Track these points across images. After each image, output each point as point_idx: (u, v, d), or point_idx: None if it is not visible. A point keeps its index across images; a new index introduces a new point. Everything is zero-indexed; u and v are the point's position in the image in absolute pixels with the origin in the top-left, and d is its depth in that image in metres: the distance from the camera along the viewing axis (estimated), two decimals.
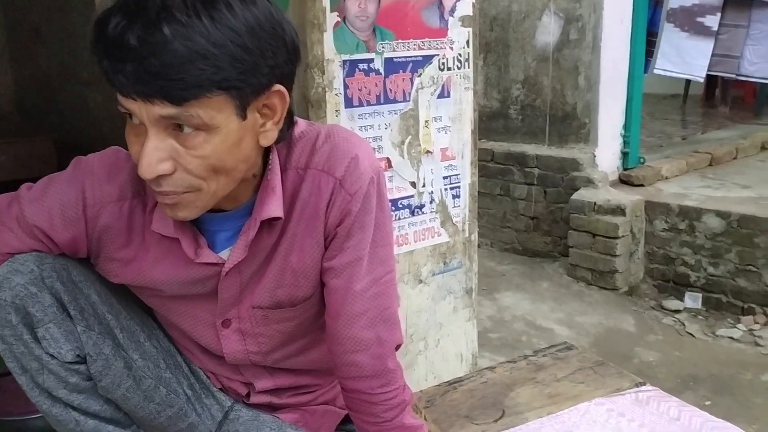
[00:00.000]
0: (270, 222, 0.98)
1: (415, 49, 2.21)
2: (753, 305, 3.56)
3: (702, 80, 4.60)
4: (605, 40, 4.03)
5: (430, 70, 2.27)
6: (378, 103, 2.17)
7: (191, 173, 0.86)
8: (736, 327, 3.49)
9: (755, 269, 3.54)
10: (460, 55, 2.35)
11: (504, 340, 3.33)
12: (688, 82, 6.53)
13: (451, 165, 2.43)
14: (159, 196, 0.90)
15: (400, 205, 2.31)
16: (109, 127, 3.75)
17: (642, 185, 4.14)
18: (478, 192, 4.62)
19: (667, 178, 4.29)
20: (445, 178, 2.42)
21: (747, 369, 3.09)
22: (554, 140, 4.28)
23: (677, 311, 3.67)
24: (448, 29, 2.27)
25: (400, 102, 2.22)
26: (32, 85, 5.37)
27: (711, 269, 3.69)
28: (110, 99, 0.91)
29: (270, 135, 0.92)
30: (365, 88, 2.13)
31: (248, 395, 1.15)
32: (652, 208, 3.87)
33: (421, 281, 2.45)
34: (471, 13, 2.33)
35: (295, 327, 1.08)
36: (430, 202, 2.39)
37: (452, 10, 2.26)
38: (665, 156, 4.59)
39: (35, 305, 0.98)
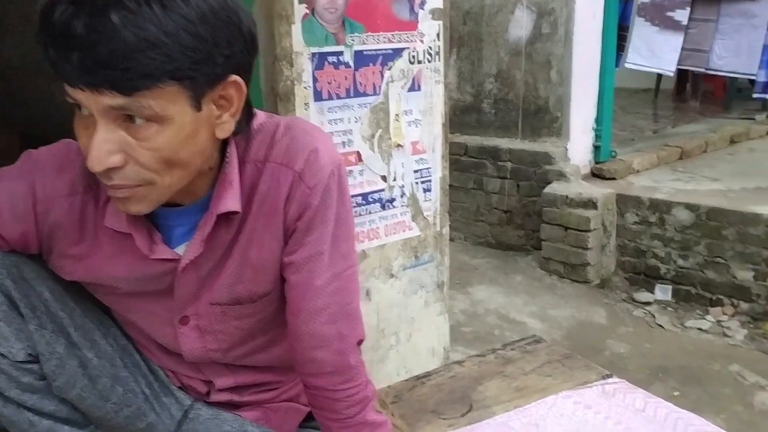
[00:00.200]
0: (227, 216, 0.95)
1: (385, 42, 2.19)
2: (721, 297, 3.61)
3: (672, 74, 4.65)
4: (577, 34, 4.05)
5: (401, 63, 2.26)
6: (348, 96, 2.15)
7: (143, 166, 0.84)
8: (704, 318, 3.54)
9: (723, 261, 3.59)
10: (430, 48, 2.34)
11: (477, 334, 3.33)
12: (659, 76, 6.60)
13: (422, 159, 2.42)
14: (110, 189, 0.87)
15: (371, 199, 2.29)
16: None
17: (614, 179, 4.17)
18: (452, 186, 4.64)
19: (638, 171, 4.32)
20: (416, 171, 2.41)
21: (715, 360, 3.14)
22: (527, 134, 4.29)
23: (648, 303, 3.70)
24: (418, 22, 2.26)
25: (371, 95, 2.20)
26: None
27: (681, 261, 3.74)
28: None
29: (227, 127, 0.90)
30: (335, 81, 2.11)
31: (208, 393, 1.12)
32: (623, 202, 3.90)
33: (392, 275, 2.44)
34: (441, 6, 2.31)
35: (255, 323, 1.06)
36: (401, 196, 2.38)
37: (422, 3, 2.25)
38: (636, 150, 4.63)
39: None
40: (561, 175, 4.03)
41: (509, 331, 3.33)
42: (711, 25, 4.23)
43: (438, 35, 2.34)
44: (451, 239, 4.70)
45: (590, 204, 3.79)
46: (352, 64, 2.12)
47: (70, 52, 0.76)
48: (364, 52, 2.15)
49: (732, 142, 5.13)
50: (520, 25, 4.19)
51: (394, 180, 2.34)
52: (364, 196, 2.27)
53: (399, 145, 2.33)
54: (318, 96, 2.08)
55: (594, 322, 3.50)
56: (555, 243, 3.93)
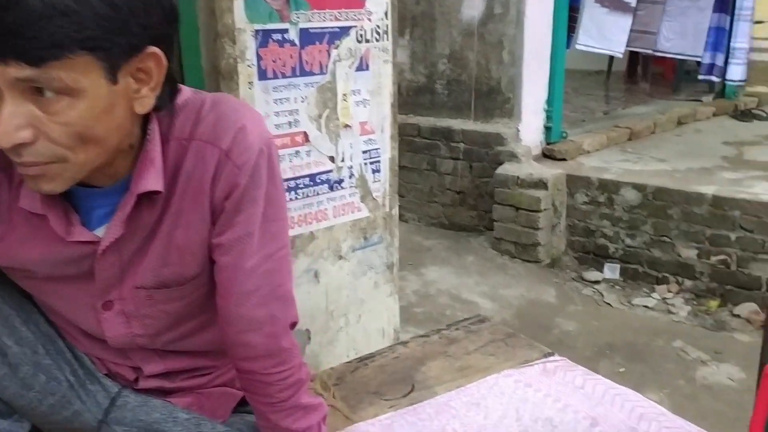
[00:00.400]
0: (150, 196, 0.91)
1: (331, 20, 2.15)
2: (667, 275, 3.70)
3: (621, 56, 4.70)
4: (529, 15, 4.06)
5: (348, 41, 2.22)
6: (293, 75, 2.10)
7: (55, 142, 0.79)
8: (650, 296, 3.62)
9: (669, 240, 3.68)
10: (378, 27, 2.30)
11: (428, 315, 3.35)
12: (611, 58, 6.69)
13: (370, 139, 2.39)
14: (21, 167, 0.82)
15: (319, 180, 2.26)
16: None
17: (564, 159, 4.22)
18: (405, 167, 4.65)
19: (588, 152, 4.38)
20: (364, 152, 2.38)
21: (659, 336, 3.22)
22: (480, 115, 4.30)
23: (596, 282, 3.77)
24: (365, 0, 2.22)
25: (317, 74, 2.16)
26: None
27: (628, 241, 3.81)
28: None
29: (146, 102, 0.85)
30: (279, 59, 2.06)
31: (137, 380, 1.09)
32: (573, 182, 3.95)
33: (341, 257, 2.42)
34: None
35: (184, 307, 1.02)
36: (350, 177, 2.35)
37: None
38: (587, 131, 4.69)
39: None
40: (513, 156, 4.05)
41: (461, 311, 3.35)
42: (659, 7, 4.29)
43: (386, 14, 2.30)
44: (405, 220, 4.71)
45: (541, 184, 3.83)
46: (297, 42, 2.08)
47: None
48: (310, 30, 2.10)
49: (679, 123, 5.24)
50: (473, 5, 4.18)
51: (342, 161, 2.31)
52: (312, 177, 2.24)
53: (347, 126, 2.30)
54: (263, 75, 2.03)
55: (543, 301, 3.55)
56: (506, 223, 3.96)
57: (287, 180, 2.14)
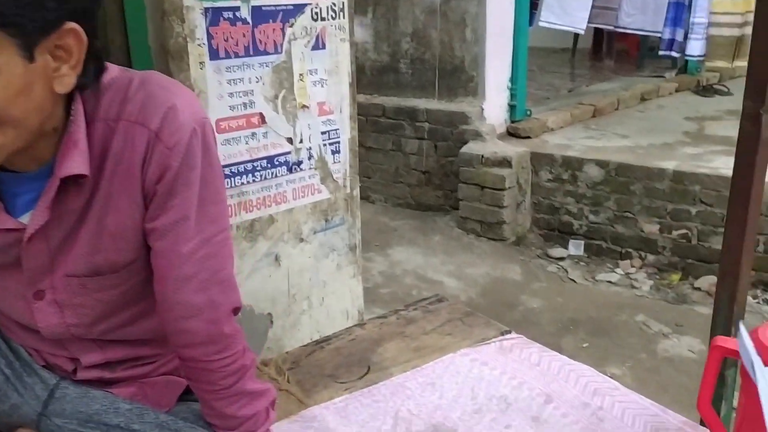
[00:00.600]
0: (76, 180, 0.88)
1: None
2: (630, 250, 3.74)
3: (583, 32, 4.71)
4: None
5: (303, 20, 2.17)
6: (247, 54, 2.05)
7: None
8: (614, 271, 3.66)
9: (632, 215, 3.71)
10: (334, 4, 2.25)
11: (394, 295, 3.34)
12: (576, 36, 6.71)
13: (329, 120, 2.35)
14: None
15: (277, 162, 2.22)
16: None
17: (529, 137, 4.23)
18: (370, 148, 4.63)
19: (552, 129, 4.40)
20: (323, 133, 2.34)
21: (623, 311, 3.26)
22: (444, 94, 4.28)
23: (561, 259, 3.80)
24: None
25: (272, 54, 2.11)
26: None
27: (592, 217, 3.84)
28: None
29: (67, 81, 0.81)
30: (232, 38, 2.01)
31: (75, 371, 1.06)
32: (537, 160, 3.96)
33: (302, 240, 2.39)
34: None
35: (120, 295, 0.99)
36: (309, 159, 2.31)
37: None
38: (551, 108, 4.70)
39: None
40: (477, 135, 4.05)
41: (426, 291, 3.35)
42: None
43: None
44: (371, 201, 4.70)
45: (505, 163, 3.83)
46: (250, 20, 2.02)
47: None
48: (263, 8, 2.05)
49: (643, 99, 5.29)
50: None
51: (301, 142, 2.27)
52: (270, 159, 2.20)
53: (304, 106, 2.26)
54: (214, 54, 1.97)
55: (509, 279, 3.57)
56: (472, 202, 3.97)
57: (244, 162, 2.10)
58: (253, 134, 2.12)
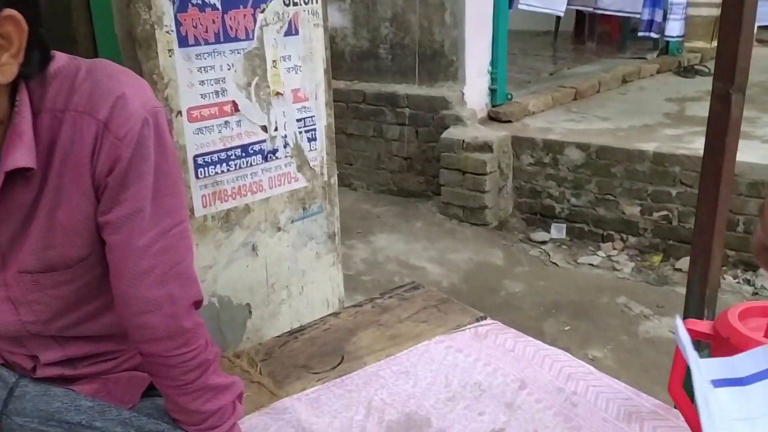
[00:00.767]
0: (23, 174, 0.85)
1: None
2: (611, 232, 3.75)
3: (562, 14, 4.69)
4: None
5: (275, 5, 2.13)
6: (218, 41, 2.01)
7: None
8: (596, 254, 3.67)
9: (613, 198, 3.72)
10: None
11: (377, 282, 3.33)
12: (558, 18, 6.68)
13: (304, 107, 2.32)
14: None
15: (251, 151, 2.19)
16: None
17: (510, 121, 4.21)
18: (352, 134, 4.59)
19: (533, 113, 4.38)
20: (298, 120, 2.31)
21: (604, 293, 3.27)
22: (424, 79, 4.25)
23: (544, 242, 3.80)
24: None
25: (243, 40, 2.08)
26: None
27: (574, 200, 3.84)
28: None
29: (7, 70, 0.78)
30: (201, 24, 1.97)
31: (35, 368, 1.03)
32: (518, 144, 3.95)
33: (279, 229, 2.36)
34: None
35: (76, 291, 0.97)
36: (284, 147, 2.28)
37: None
38: (532, 92, 4.69)
39: None
40: (458, 120, 4.03)
41: (408, 277, 3.34)
42: None
43: None
44: (354, 188, 4.67)
45: (486, 147, 3.81)
46: (219, 5, 1.98)
47: None
48: None
49: (624, 81, 5.28)
50: None
51: (276, 130, 2.24)
52: (244, 147, 2.17)
53: (278, 93, 2.23)
54: (183, 41, 1.93)
55: (491, 264, 3.56)
56: (453, 188, 3.95)
57: (217, 152, 2.07)
58: (226, 123, 2.09)
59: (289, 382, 1.34)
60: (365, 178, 4.56)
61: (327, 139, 2.45)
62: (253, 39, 2.09)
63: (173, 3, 1.89)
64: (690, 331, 1.09)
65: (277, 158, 2.27)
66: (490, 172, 3.82)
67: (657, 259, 3.57)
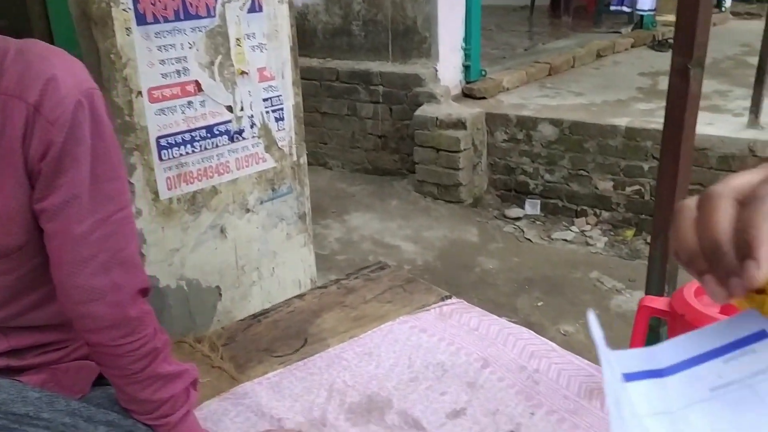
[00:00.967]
0: None
1: None
2: (585, 207, 3.76)
3: None
4: None
5: None
6: (177, 19, 1.96)
7: None
8: (569, 229, 3.68)
9: (586, 173, 3.72)
10: None
11: (351, 262, 3.31)
12: None
13: (270, 86, 2.28)
14: None
15: (217, 132, 2.15)
16: None
17: (484, 98, 4.19)
18: (326, 113, 4.55)
19: (508, 89, 4.36)
20: (265, 100, 2.27)
21: (577, 268, 3.28)
22: (397, 56, 4.20)
23: (518, 219, 3.81)
24: None
25: (204, 18, 2.03)
26: None
27: (547, 176, 3.84)
28: None
29: None
30: (159, 2, 1.91)
31: None
32: (492, 120, 3.93)
33: (248, 210, 2.34)
34: None
35: (17, 280, 0.94)
36: (251, 127, 2.25)
37: None
38: (507, 68, 4.66)
39: None
40: (432, 97, 3.99)
41: (383, 256, 3.33)
42: None
43: None
44: (329, 167, 4.64)
45: (460, 124, 3.79)
46: None
47: None
48: None
49: (598, 56, 5.27)
50: None
51: (242, 110, 2.20)
52: (209, 128, 2.13)
53: (243, 72, 2.18)
54: (141, 19, 1.88)
55: (466, 241, 3.56)
56: (428, 165, 3.93)
57: (181, 133, 2.03)
58: (190, 103, 2.05)
59: (251, 366, 1.32)
60: (340, 157, 4.52)
61: (295, 118, 2.41)
62: (214, 16, 2.04)
63: None
64: (647, 308, 1.09)
65: (243, 139, 2.24)
66: (464, 150, 3.80)
67: (630, 233, 3.59)
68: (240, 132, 2.22)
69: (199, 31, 2.01)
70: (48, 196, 0.86)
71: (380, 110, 4.23)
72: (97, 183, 0.88)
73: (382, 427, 1.17)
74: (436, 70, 4.10)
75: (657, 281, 1.38)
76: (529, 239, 3.60)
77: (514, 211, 3.85)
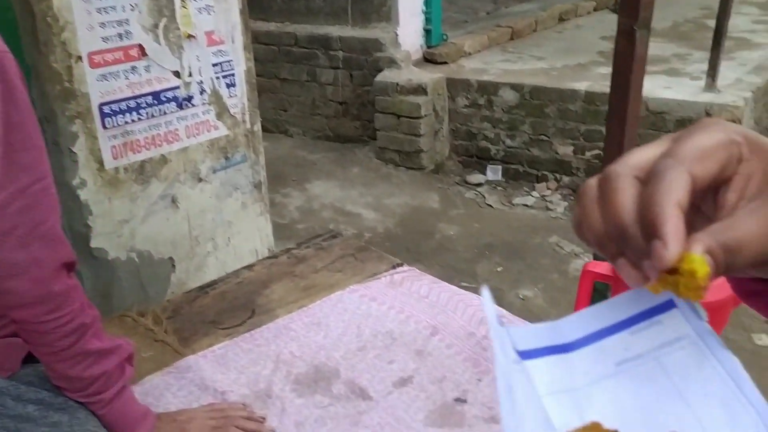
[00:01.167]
0: None
1: None
2: (546, 173, 3.77)
3: None
4: None
5: None
6: None
7: None
8: (530, 195, 3.69)
9: (546, 138, 3.72)
10: None
11: (311, 230, 3.28)
12: None
13: (220, 50, 2.21)
14: None
15: (164, 98, 2.08)
16: None
17: (445, 63, 4.14)
18: (285, 79, 4.46)
19: (469, 54, 4.32)
20: (215, 65, 2.20)
21: (537, 233, 3.30)
22: (357, 20, 4.12)
23: (479, 185, 3.80)
24: None
25: None
26: None
27: (509, 141, 3.84)
28: None
29: None
30: None
31: None
32: (453, 86, 3.90)
33: (201, 179, 2.28)
34: None
35: None
36: (201, 93, 2.18)
37: None
38: (469, 32, 4.61)
39: None
40: (392, 62, 3.94)
41: (344, 224, 3.31)
42: None
43: None
44: (289, 135, 4.57)
45: (420, 90, 3.75)
46: None
47: None
48: None
49: (561, 19, 5.24)
50: None
51: (190, 75, 2.13)
52: (155, 95, 2.06)
53: (191, 36, 2.11)
54: None
55: (427, 207, 3.55)
56: (389, 132, 3.89)
57: (126, 99, 1.96)
58: (134, 68, 1.97)
59: (196, 339, 1.29)
60: (301, 124, 4.45)
61: (247, 84, 2.35)
62: None
63: None
64: (591, 273, 1.08)
65: (193, 106, 2.17)
66: (425, 115, 3.77)
67: None
68: (189, 99, 2.15)
69: None
70: None
71: (340, 76, 4.16)
72: (12, 153, 0.83)
73: (328, 397, 1.15)
74: (397, 35, 4.03)
75: None
76: (490, 205, 3.60)
77: (475, 177, 3.85)
